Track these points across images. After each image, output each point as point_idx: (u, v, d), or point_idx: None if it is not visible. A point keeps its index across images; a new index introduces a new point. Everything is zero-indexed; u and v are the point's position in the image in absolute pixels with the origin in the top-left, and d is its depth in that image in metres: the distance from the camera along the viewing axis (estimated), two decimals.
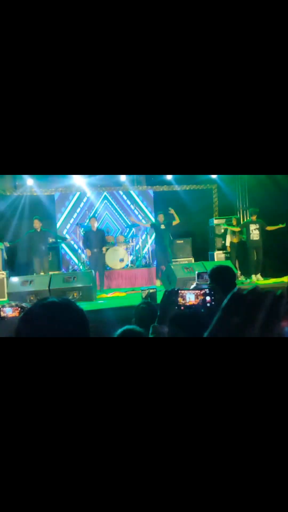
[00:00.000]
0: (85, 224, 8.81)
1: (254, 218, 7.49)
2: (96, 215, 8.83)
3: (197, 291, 1.59)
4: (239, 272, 7.65)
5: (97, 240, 7.54)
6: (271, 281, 7.11)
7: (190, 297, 1.57)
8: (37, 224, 7.28)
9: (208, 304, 1.67)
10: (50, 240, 8.13)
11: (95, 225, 7.78)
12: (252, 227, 7.46)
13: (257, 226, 7.42)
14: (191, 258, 8.75)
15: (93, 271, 6.77)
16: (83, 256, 8.74)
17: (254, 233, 7.43)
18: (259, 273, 7.49)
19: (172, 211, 7.74)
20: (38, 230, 7.29)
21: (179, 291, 1.55)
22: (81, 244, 8.58)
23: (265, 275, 7.57)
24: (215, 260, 8.47)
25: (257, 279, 7.32)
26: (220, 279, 2.04)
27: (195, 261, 8.40)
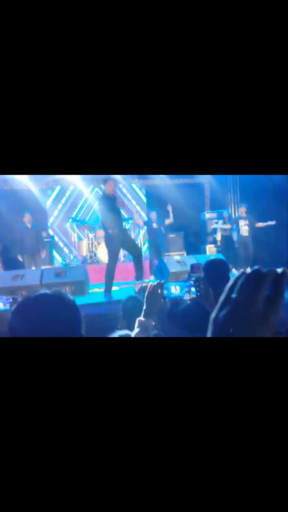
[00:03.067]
0: (78, 218, 8.80)
1: (243, 213, 7.56)
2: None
3: (182, 283, 1.61)
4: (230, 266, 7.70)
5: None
6: None
7: (175, 289, 1.59)
8: (27, 219, 7.09)
9: (194, 296, 1.69)
10: (44, 234, 8.11)
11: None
12: (242, 222, 7.53)
13: (247, 222, 7.51)
14: (183, 252, 8.78)
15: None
16: (74, 251, 8.74)
17: (244, 228, 7.52)
18: (249, 267, 7.55)
19: (169, 209, 7.61)
20: (29, 226, 7.15)
21: (164, 283, 1.57)
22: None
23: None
24: (207, 254, 8.51)
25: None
26: (214, 272, 2.07)
27: (187, 254, 8.43)
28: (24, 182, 8.69)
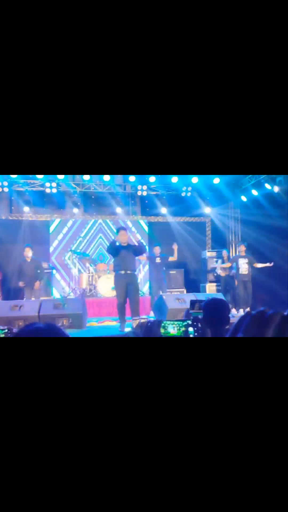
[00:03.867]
0: (79, 251, 8.87)
1: (243, 252, 7.62)
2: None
3: (179, 323, 1.62)
4: (230, 305, 7.67)
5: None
6: None
7: (172, 328, 1.59)
8: (28, 253, 7.19)
9: (191, 335, 1.69)
10: (45, 265, 8.16)
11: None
12: (241, 261, 7.58)
13: (246, 260, 7.56)
14: (183, 289, 8.77)
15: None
16: (71, 283, 8.74)
17: (243, 267, 7.55)
18: (249, 307, 7.52)
19: (175, 247, 7.66)
20: (29, 260, 7.21)
21: (161, 322, 1.58)
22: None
23: (255, 309, 7.59)
24: (207, 292, 8.49)
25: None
26: (214, 312, 2.05)
27: (187, 292, 8.42)
28: (27, 213, 8.85)
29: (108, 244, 5.76)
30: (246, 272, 7.53)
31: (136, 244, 6.08)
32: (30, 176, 8.36)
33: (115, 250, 5.48)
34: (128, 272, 5.54)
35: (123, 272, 5.51)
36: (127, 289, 5.52)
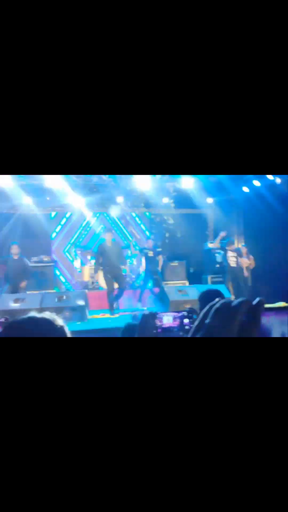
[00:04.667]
0: (80, 244, 8.87)
1: (231, 247, 7.78)
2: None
3: (174, 313, 1.61)
4: (233, 297, 7.67)
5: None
6: (265, 306, 7.11)
7: (167, 320, 1.58)
8: (14, 250, 7.00)
9: (187, 327, 1.68)
10: (46, 259, 8.15)
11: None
12: (230, 254, 7.74)
13: (235, 254, 7.71)
14: (185, 281, 8.76)
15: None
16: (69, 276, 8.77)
17: (231, 260, 7.73)
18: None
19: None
20: (15, 258, 7.05)
21: (157, 314, 1.57)
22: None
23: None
24: (209, 283, 8.48)
25: None
26: (208, 303, 2.05)
27: (189, 284, 8.41)
28: (29, 207, 8.84)
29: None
30: (235, 265, 7.66)
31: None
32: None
33: (102, 250, 6.78)
34: (113, 267, 6.84)
35: (109, 275, 6.87)
36: (114, 280, 6.89)
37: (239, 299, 0.58)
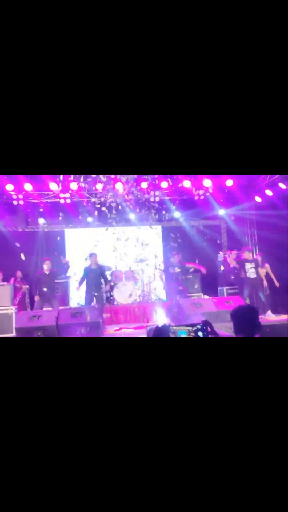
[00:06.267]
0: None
1: (249, 257, 7.61)
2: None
3: (189, 327, 1.60)
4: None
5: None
6: (283, 317, 6.99)
7: (181, 333, 1.58)
8: (47, 266, 7.20)
9: None
10: (60, 278, 8.27)
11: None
12: (248, 265, 7.56)
13: (253, 264, 7.52)
14: (199, 294, 8.69)
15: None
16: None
17: (250, 271, 7.54)
18: (269, 310, 7.41)
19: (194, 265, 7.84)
20: (47, 272, 7.24)
21: (171, 327, 1.57)
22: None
23: (276, 312, 7.48)
24: (224, 295, 8.40)
25: (267, 316, 7.22)
26: (243, 320, 1.88)
27: (203, 296, 8.34)
28: (43, 224, 8.98)
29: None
30: (254, 276, 7.48)
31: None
32: (44, 187, 8.50)
33: (86, 273, 7.34)
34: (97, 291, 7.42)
35: (95, 293, 7.34)
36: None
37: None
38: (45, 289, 7.19)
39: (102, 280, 7.50)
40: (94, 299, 7.34)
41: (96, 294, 7.34)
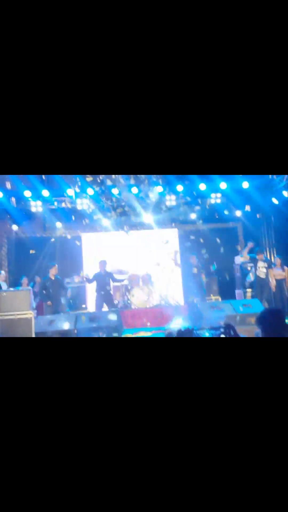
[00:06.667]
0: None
1: (261, 256, 7.55)
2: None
3: (211, 331, 1.60)
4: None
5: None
6: None
7: (204, 336, 1.58)
8: (53, 271, 7.28)
9: None
10: (77, 279, 8.32)
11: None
12: (260, 264, 7.51)
13: (265, 264, 7.46)
14: (217, 297, 8.64)
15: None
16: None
17: (261, 270, 7.49)
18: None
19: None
20: (52, 278, 7.31)
21: (194, 331, 1.57)
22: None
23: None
24: (243, 298, 8.32)
25: None
26: (274, 323, 1.86)
27: (221, 299, 8.29)
28: (60, 229, 9.09)
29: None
30: (264, 276, 7.45)
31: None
32: (61, 193, 8.61)
33: (94, 278, 7.69)
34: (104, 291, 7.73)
35: (102, 292, 7.66)
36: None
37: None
38: (51, 291, 7.24)
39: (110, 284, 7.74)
40: (104, 304, 7.52)
41: (105, 298, 7.55)
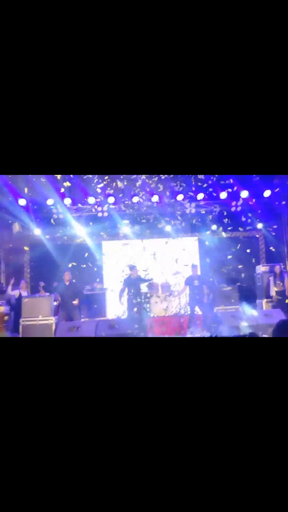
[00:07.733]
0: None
1: (277, 270, 7.48)
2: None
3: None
4: None
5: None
6: None
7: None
8: (67, 277, 7.38)
9: None
10: (99, 286, 8.37)
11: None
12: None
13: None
14: (237, 306, 8.53)
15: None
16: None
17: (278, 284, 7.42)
18: None
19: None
20: (67, 283, 7.40)
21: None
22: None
23: None
24: (263, 308, 8.20)
25: None
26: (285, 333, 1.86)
27: (242, 308, 8.17)
28: (81, 237, 9.20)
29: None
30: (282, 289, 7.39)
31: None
32: (82, 201, 8.73)
33: (127, 283, 7.72)
34: (138, 297, 7.76)
35: (138, 299, 7.70)
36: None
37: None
38: (64, 296, 7.32)
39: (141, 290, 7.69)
40: (135, 308, 7.44)
41: (137, 303, 7.49)
